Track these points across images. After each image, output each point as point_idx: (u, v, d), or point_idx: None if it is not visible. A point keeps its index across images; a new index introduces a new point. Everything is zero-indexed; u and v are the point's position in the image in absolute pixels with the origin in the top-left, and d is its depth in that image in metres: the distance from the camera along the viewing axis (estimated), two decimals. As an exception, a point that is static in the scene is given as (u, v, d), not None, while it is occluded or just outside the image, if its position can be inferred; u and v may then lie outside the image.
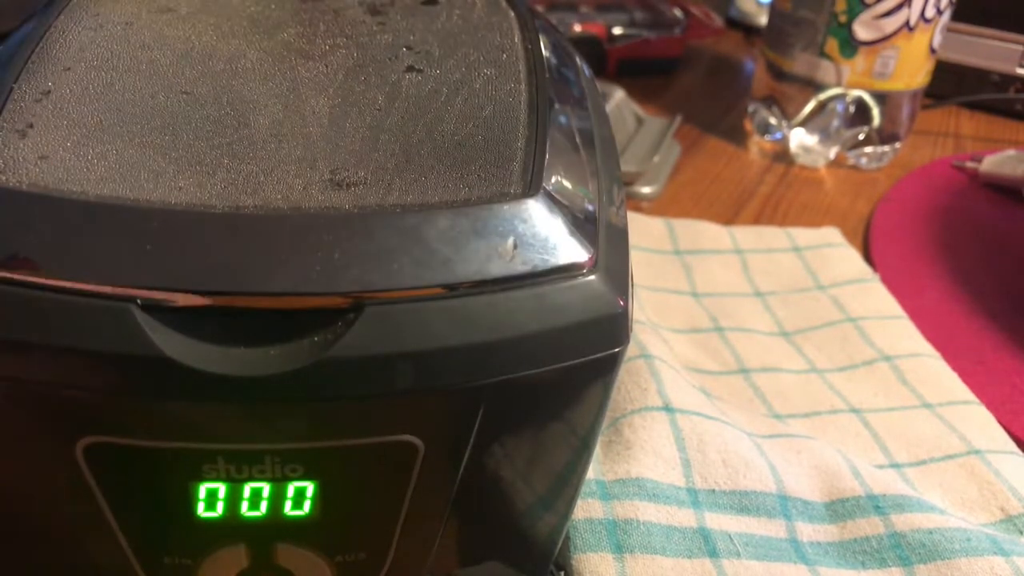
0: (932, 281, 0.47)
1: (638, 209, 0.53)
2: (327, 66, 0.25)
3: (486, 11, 0.29)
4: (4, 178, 0.20)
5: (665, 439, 0.32)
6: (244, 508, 0.22)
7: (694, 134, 0.64)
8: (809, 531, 0.31)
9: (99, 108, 0.22)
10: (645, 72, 0.73)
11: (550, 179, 0.22)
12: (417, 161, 0.21)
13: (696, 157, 0.61)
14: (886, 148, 0.59)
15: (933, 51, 0.56)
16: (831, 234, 0.50)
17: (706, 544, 0.30)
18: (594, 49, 0.71)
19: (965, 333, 0.42)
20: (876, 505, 0.31)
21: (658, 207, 0.54)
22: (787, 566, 0.29)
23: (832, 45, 0.55)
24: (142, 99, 0.23)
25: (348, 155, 0.21)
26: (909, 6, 0.52)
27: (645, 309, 0.42)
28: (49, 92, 0.22)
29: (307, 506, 0.22)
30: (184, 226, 0.19)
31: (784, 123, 0.60)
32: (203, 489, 0.21)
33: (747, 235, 0.50)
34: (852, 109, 0.57)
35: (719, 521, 0.31)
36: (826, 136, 0.58)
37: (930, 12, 0.53)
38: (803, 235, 0.50)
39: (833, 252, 0.48)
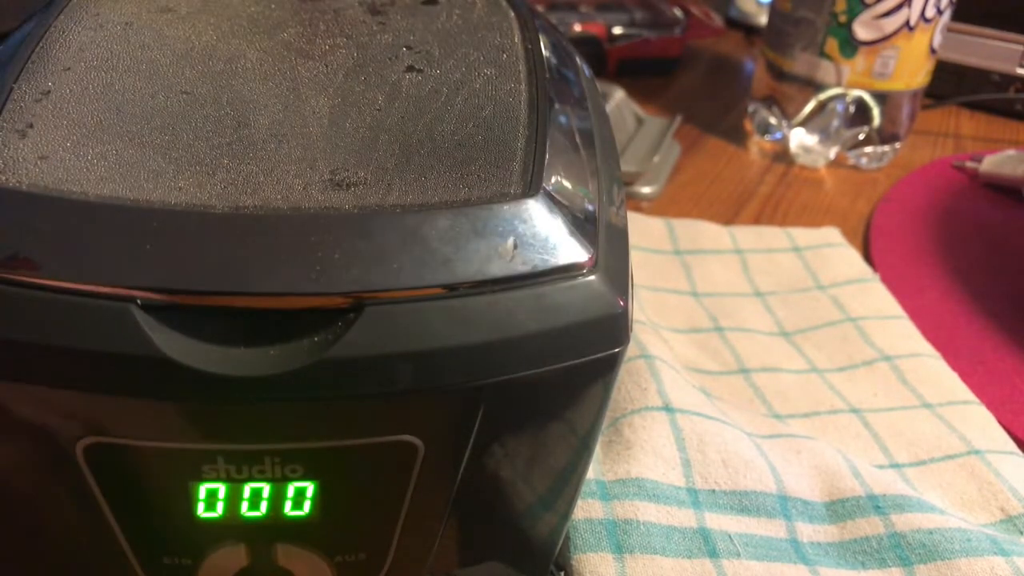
0: (932, 281, 0.47)
1: (638, 209, 0.53)
2: (327, 66, 0.25)
3: (486, 11, 0.29)
4: (4, 178, 0.20)
5: (665, 439, 0.32)
6: (244, 508, 0.22)
7: (694, 134, 0.64)
8: (809, 531, 0.31)
9: (99, 108, 0.22)
10: (645, 72, 0.73)
11: (550, 179, 0.22)
12: (417, 161, 0.21)
13: (696, 157, 0.61)
14: (886, 148, 0.59)
15: (933, 51, 0.56)
16: (831, 234, 0.50)
17: (706, 544, 0.30)
18: (594, 49, 0.71)
19: (965, 333, 0.42)
20: (876, 505, 0.31)
21: (658, 207, 0.54)
22: (787, 566, 0.29)
23: (832, 45, 0.55)
24: (142, 99, 0.23)
25: (348, 155, 0.21)
26: (909, 6, 0.52)
27: (645, 309, 0.42)
28: (49, 92, 0.22)
29: (307, 506, 0.22)
30: (184, 226, 0.19)
31: (784, 123, 0.60)
32: (203, 489, 0.21)
33: (747, 235, 0.50)
34: (852, 109, 0.57)
35: (719, 521, 0.30)
36: (826, 136, 0.58)
37: (930, 12, 0.53)
38: (803, 235, 0.50)
39: (833, 252, 0.48)
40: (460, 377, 0.20)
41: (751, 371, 0.39)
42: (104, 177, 0.20)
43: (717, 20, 0.77)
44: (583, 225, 0.21)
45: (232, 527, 0.22)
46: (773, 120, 0.60)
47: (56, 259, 0.18)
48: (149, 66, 0.24)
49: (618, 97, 0.60)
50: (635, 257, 0.37)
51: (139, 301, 0.18)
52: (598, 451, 0.33)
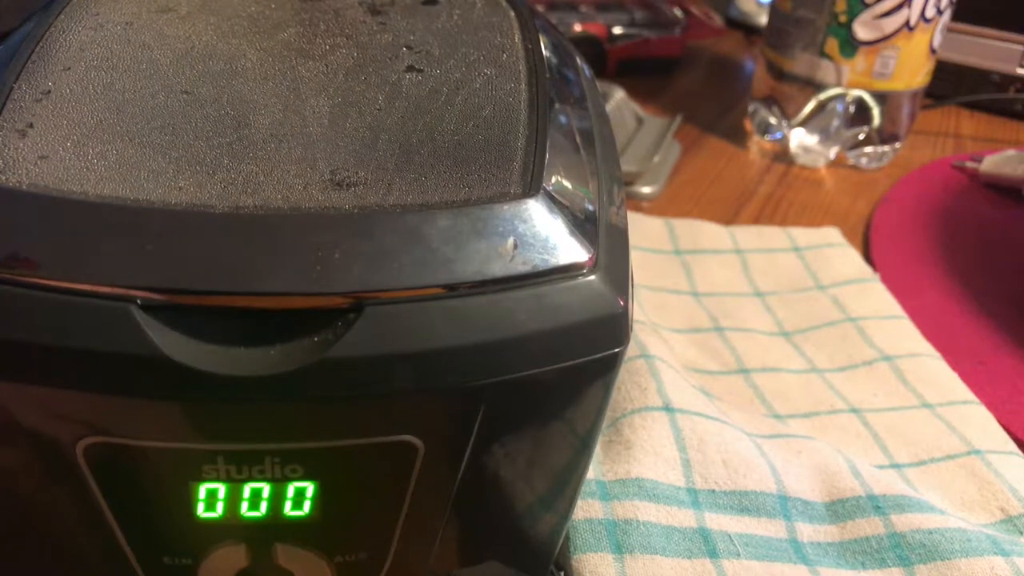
0: (932, 281, 0.47)
1: (638, 209, 0.53)
2: (327, 66, 0.25)
3: (486, 11, 0.29)
4: (4, 178, 0.20)
5: (665, 439, 0.32)
6: (244, 508, 0.22)
7: (694, 134, 0.64)
8: (809, 531, 0.31)
9: (99, 108, 0.22)
10: (645, 72, 0.73)
11: (550, 179, 0.22)
12: (417, 161, 0.21)
13: (696, 157, 0.61)
14: (886, 148, 0.59)
15: (933, 51, 0.56)
16: (831, 234, 0.50)
17: (706, 544, 0.30)
18: (594, 49, 0.71)
19: (965, 333, 0.42)
20: (876, 505, 0.31)
21: (658, 207, 0.54)
22: (787, 566, 0.29)
23: (832, 45, 0.55)
24: (142, 99, 0.23)
25: (348, 155, 0.21)
26: (909, 6, 0.52)
27: (645, 309, 0.42)
28: (49, 92, 0.22)
29: (307, 506, 0.22)
30: (184, 226, 0.19)
31: (784, 123, 0.60)
32: (203, 489, 0.21)
33: (747, 235, 0.50)
34: (852, 109, 0.57)
35: (719, 521, 0.30)
36: (826, 136, 0.58)
37: (930, 12, 0.53)
38: (803, 235, 0.50)
39: (833, 252, 0.48)
40: (460, 377, 0.20)
41: (751, 371, 0.39)
42: (104, 177, 0.20)
43: (717, 20, 0.77)
44: (583, 225, 0.21)
45: (232, 527, 0.22)
46: (773, 120, 0.60)
47: (56, 259, 0.18)
48: (149, 66, 0.24)
49: (618, 97, 0.60)
50: (635, 257, 0.37)
51: (139, 301, 0.18)
52: (598, 451, 0.33)
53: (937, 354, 0.40)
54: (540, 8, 0.70)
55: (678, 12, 0.75)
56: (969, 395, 0.38)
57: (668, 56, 0.74)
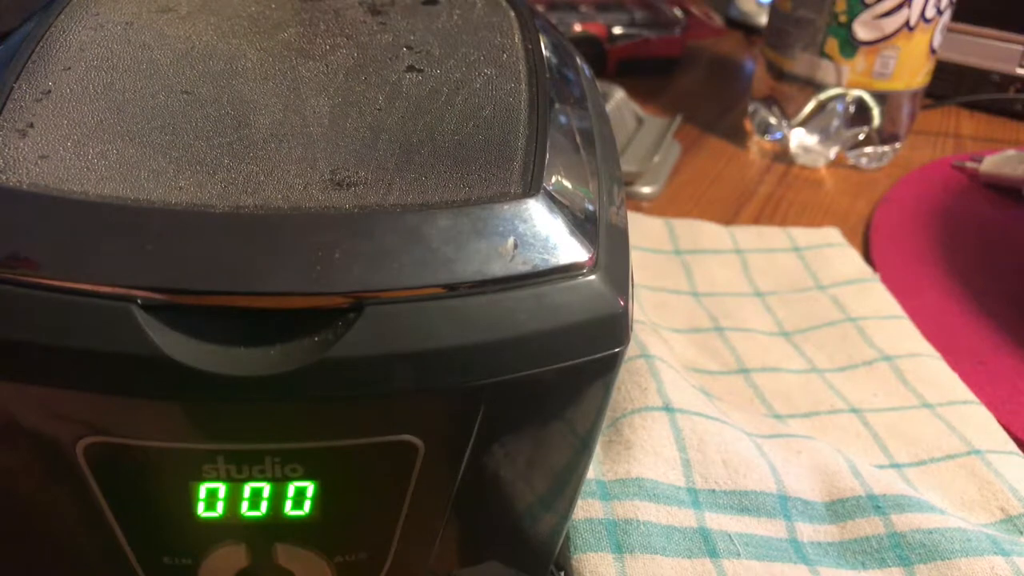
0: (932, 281, 0.47)
1: (638, 209, 0.53)
2: (327, 66, 0.25)
3: (486, 11, 0.29)
4: (4, 178, 0.20)
5: (665, 439, 0.32)
6: (244, 508, 0.22)
7: (694, 134, 0.64)
8: (809, 531, 0.31)
9: (99, 108, 0.22)
10: (645, 72, 0.73)
11: (550, 179, 0.22)
12: (417, 161, 0.21)
13: (696, 157, 0.61)
14: (886, 148, 0.59)
15: (933, 51, 0.56)
16: (831, 234, 0.50)
17: (706, 544, 0.30)
18: (594, 49, 0.71)
19: (965, 333, 0.42)
20: (876, 505, 0.31)
21: (658, 207, 0.54)
22: (787, 566, 0.29)
23: (832, 45, 0.55)
24: (142, 99, 0.23)
25: (348, 155, 0.21)
26: (909, 6, 0.52)
27: (645, 309, 0.42)
28: (49, 92, 0.22)
29: (307, 506, 0.22)
30: (184, 226, 0.19)
31: (784, 123, 0.60)
32: (203, 489, 0.21)
33: (747, 235, 0.50)
34: (852, 109, 0.57)
35: (719, 521, 0.30)
36: (826, 136, 0.58)
37: (930, 12, 0.53)
38: (803, 235, 0.50)
39: (833, 252, 0.48)
40: (460, 377, 0.20)
41: (751, 371, 0.39)
42: (104, 176, 0.20)
43: (717, 20, 0.77)
44: (583, 225, 0.21)
45: (232, 527, 0.22)
46: (773, 120, 0.60)
47: (56, 259, 0.18)
48: (149, 66, 0.24)
49: (618, 97, 0.60)
50: (635, 257, 0.37)
51: (139, 301, 0.18)
52: (598, 451, 0.33)
53: (937, 354, 0.40)
54: (540, 8, 0.70)
55: (678, 12, 0.75)
56: (969, 395, 0.38)
57: (668, 56, 0.75)
